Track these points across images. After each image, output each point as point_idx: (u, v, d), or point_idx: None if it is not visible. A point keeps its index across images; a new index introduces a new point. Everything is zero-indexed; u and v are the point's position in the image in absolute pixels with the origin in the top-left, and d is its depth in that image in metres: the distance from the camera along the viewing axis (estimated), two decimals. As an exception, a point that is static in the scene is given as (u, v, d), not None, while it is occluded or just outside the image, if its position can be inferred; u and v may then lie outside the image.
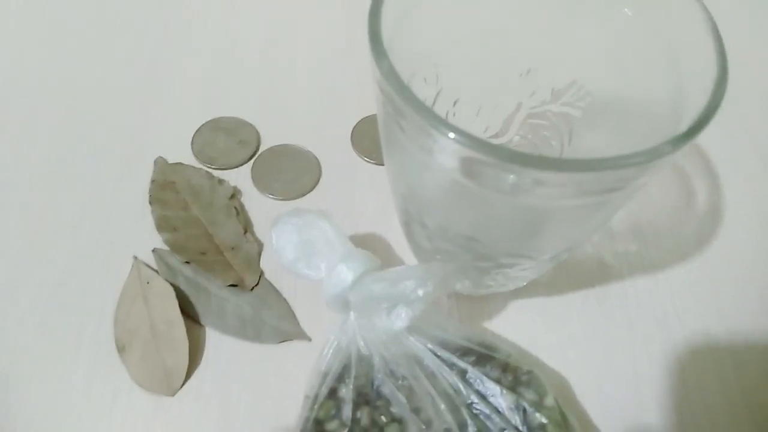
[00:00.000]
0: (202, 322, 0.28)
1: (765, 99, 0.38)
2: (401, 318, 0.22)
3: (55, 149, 0.34)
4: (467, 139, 0.16)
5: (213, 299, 0.29)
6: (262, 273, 0.30)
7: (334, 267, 0.24)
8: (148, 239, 0.30)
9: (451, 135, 0.17)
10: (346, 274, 0.23)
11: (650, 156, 0.16)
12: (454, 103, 0.28)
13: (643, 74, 0.23)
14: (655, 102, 0.22)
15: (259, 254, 0.31)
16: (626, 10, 0.22)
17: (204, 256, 0.30)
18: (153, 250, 0.30)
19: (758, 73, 0.39)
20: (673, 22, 0.21)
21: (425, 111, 0.17)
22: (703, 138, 0.36)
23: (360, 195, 0.33)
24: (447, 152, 0.18)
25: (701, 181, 0.34)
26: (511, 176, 0.17)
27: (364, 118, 0.35)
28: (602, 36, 0.24)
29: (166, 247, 0.30)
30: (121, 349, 0.27)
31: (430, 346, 0.24)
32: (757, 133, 0.36)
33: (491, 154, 0.16)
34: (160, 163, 0.33)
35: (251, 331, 0.28)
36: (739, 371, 0.28)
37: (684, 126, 0.18)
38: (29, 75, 0.37)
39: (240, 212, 0.32)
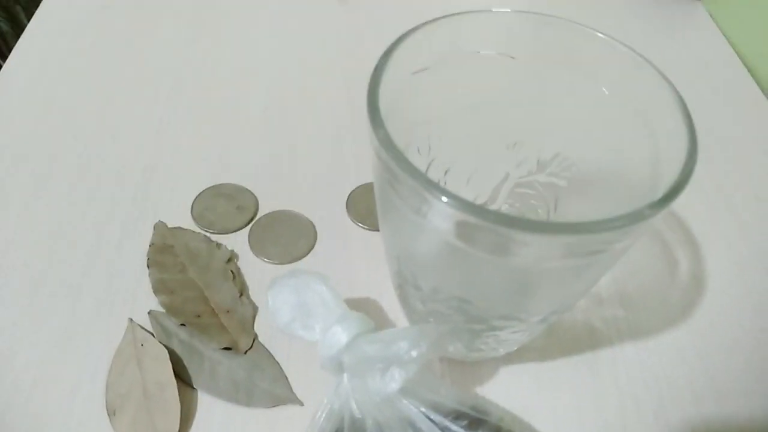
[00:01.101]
0: (195, 386, 0.28)
1: (737, 166, 0.40)
2: (395, 379, 0.23)
3: (57, 211, 0.35)
4: (460, 203, 0.18)
5: (206, 362, 0.29)
6: (255, 336, 0.30)
7: (329, 328, 0.24)
8: (144, 302, 0.31)
9: (444, 199, 0.18)
10: (340, 335, 0.24)
11: (630, 220, 0.17)
12: (446, 173, 0.29)
13: (622, 145, 0.24)
14: (634, 170, 0.23)
15: (254, 317, 0.31)
16: (603, 89, 0.24)
17: (199, 319, 0.30)
18: (149, 312, 0.30)
19: (728, 141, 0.41)
20: (646, 98, 0.23)
21: (420, 176, 0.18)
22: (682, 208, 0.37)
23: (354, 260, 0.33)
24: (440, 215, 0.19)
25: (683, 249, 0.35)
26: (501, 238, 0.18)
27: (359, 186, 0.37)
28: (583, 111, 0.26)
29: (162, 310, 0.30)
30: (111, 414, 0.27)
31: (423, 409, 0.24)
32: (731, 198, 0.38)
33: (482, 218, 0.17)
34: (160, 227, 0.34)
35: (243, 394, 0.28)
36: (730, 438, 0.28)
37: (661, 192, 0.19)
38: (33, 138, 0.38)
39: (236, 275, 0.32)
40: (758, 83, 0.46)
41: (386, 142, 0.19)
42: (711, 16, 0.52)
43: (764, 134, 0.42)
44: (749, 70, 0.47)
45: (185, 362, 0.29)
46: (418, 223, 0.20)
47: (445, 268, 0.22)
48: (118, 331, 0.30)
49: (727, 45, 0.49)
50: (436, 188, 0.18)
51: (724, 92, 0.45)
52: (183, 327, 0.30)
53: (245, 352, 0.30)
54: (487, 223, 0.17)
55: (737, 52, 0.48)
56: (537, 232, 0.17)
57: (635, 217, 0.17)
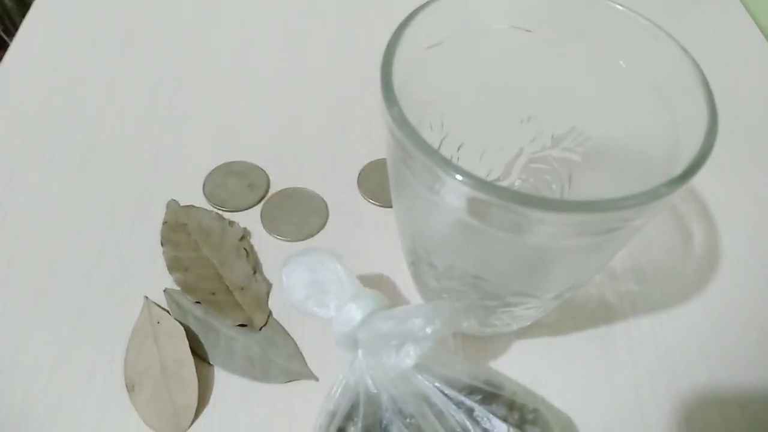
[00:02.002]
0: (211, 362, 0.29)
1: (754, 143, 0.39)
2: (410, 355, 0.23)
3: (68, 192, 0.35)
4: (473, 180, 0.17)
5: (222, 339, 0.29)
6: (270, 313, 0.31)
7: (343, 306, 0.24)
8: (159, 280, 0.31)
9: (458, 177, 0.18)
10: (355, 312, 0.24)
11: (647, 198, 0.17)
12: (458, 148, 0.29)
13: (639, 121, 0.24)
14: (651, 146, 0.23)
15: (268, 294, 0.31)
16: (621, 62, 0.24)
17: (214, 296, 0.31)
18: (164, 290, 0.31)
19: (747, 118, 0.40)
20: (665, 73, 0.22)
21: (434, 154, 0.18)
22: (699, 182, 0.37)
23: (366, 237, 0.33)
24: (454, 193, 0.19)
25: (698, 223, 0.35)
26: (516, 216, 0.18)
27: (370, 162, 0.36)
28: (599, 85, 0.25)
29: (177, 287, 0.31)
30: (130, 389, 0.28)
31: (437, 384, 0.24)
32: (749, 176, 0.37)
33: (496, 195, 0.17)
34: (172, 206, 0.34)
35: (259, 370, 0.29)
36: (743, 410, 0.28)
37: (679, 169, 0.19)
38: (41, 120, 0.38)
39: (250, 253, 0.33)
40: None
41: (400, 119, 0.19)
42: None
43: (783, 105, 0.42)
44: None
45: (201, 339, 0.29)
46: (432, 200, 0.20)
47: (459, 245, 0.22)
48: (135, 310, 0.30)
49: (751, 21, 0.48)
50: (450, 165, 0.18)
51: (745, 69, 0.44)
52: (198, 305, 0.30)
53: (260, 329, 0.30)
54: (502, 201, 0.17)
55: (761, 29, 0.47)
56: (551, 210, 0.17)
57: (652, 195, 0.17)
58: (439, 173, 0.18)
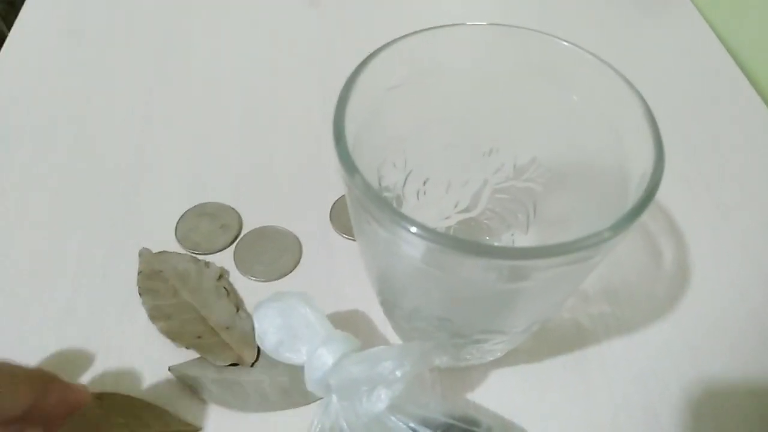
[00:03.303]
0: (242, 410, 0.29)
1: (719, 154, 0.40)
2: (381, 399, 0.23)
3: (35, 243, 0.35)
4: (428, 233, 0.18)
5: (249, 386, 0.29)
6: (259, 348, 0.30)
7: (314, 351, 0.24)
8: (142, 331, 0.31)
9: (413, 229, 0.18)
10: (326, 357, 0.24)
11: (591, 242, 0.17)
12: (424, 182, 0.30)
13: (593, 151, 0.25)
14: (607, 174, 0.24)
15: (254, 330, 0.31)
16: (574, 96, 0.24)
17: (200, 340, 0.30)
18: (169, 369, 0.29)
19: (712, 130, 0.41)
20: (614, 108, 0.23)
21: (388, 210, 0.18)
22: (666, 196, 0.37)
23: (341, 272, 0.34)
24: (412, 244, 0.19)
25: (667, 239, 0.35)
26: (470, 265, 0.18)
27: (341, 196, 0.37)
28: (555, 118, 0.26)
29: (164, 337, 0.30)
30: None
31: (412, 425, 0.24)
32: (714, 187, 0.38)
33: (446, 245, 0.17)
34: (145, 254, 0.34)
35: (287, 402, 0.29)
36: (720, 428, 0.28)
37: (630, 196, 0.19)
38: (14, 168, 0.38)
39: (230, 292, 0.32)
40: (742, 69, 0.46)
41: (348, 164, 0.19)
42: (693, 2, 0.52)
43: (746, 121, 0.42)
44: (733, 57, 0.47)
45: (229, 397, 0.29)
46: (393, 248, 0.20)
47: (422, 289, 0.22)
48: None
49: (710, 32, 0.49)
50: (405, 219, 0.18)
51: (706, 79, 0.45)
52: (212, 368, 0.30)
53: (252, 365, 0.30)
54: (451, 250, 0.18)
55: (720, 39, 0.48)
56: (507, 258, 0.17)
57: (595, 240, 0.17)
58: (395, 228, 0.18)
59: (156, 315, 0.31)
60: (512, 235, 0.30)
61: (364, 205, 0.19)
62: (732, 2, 0.49)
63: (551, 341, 0.31)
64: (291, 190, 0.38)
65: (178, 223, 0.35)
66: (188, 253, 0.34)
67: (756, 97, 0.43)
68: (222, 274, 0.33)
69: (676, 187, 0.38)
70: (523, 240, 0.30)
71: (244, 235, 0.35)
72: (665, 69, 0.46)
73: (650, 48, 0.47)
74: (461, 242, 0.17)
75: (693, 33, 0.49)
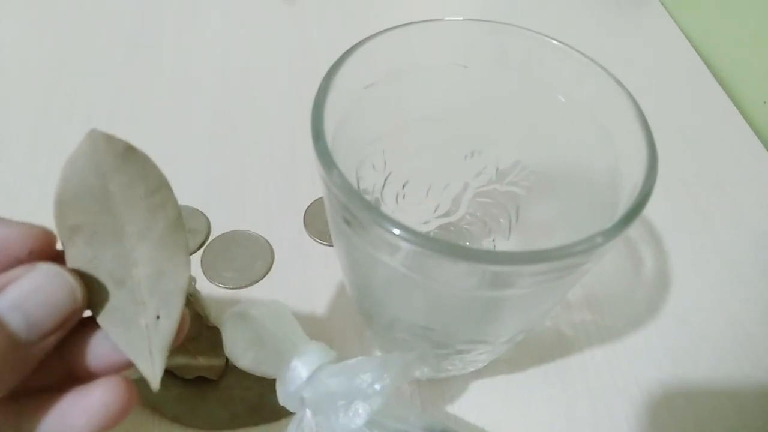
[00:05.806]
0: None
1: (697, 160, 0.40)
2: (359, 414, 0.21)
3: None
4: (408, 233, 0.16)
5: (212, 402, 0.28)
6: (227, 359, 0.29)
7: (288, 363, 0.23)
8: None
9: (396, 231, 0.17)
10: (300, 369, 0.23)
11: (585, 247, 0.16)
12: (404, 185, 0.28)
13: (581, 153, 0.24)
14: (595, 177, 0.23)
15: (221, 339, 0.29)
16: (560, 96, 0.23)
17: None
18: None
19: (690, 134, 0.41)
20: (603, 109, 0.22)
21: (367, 208, 0.17)
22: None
23: (315, 279, 0.32)
24: (392, 246, 0.18)
25: (648, 247, 0.35)
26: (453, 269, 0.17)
27: (316, 200, 0.35)
28: (540, 119, 0.25)
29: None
30: None
31: (391, 440, 0.23)
32: (693, 192, 0.38)
33: (430, 249, 0.16)
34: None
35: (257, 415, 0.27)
36: (703, 438, 0.28)
37: (621, 200, 0.18)
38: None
39: (196, 299, 0.31)
40: (713, 74, 0.46)
41: (326, 160, 0.18)
42: (663, 5, 0.52)
43: (724, 126, 0.42)
44: (705, 62, 0.47)
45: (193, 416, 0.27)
46: (372, 254, 0.19)
47: (403, 297, 0.21)
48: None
49: (682, 36, 0.49)
50: (388, 220, 0.17)
51: (681, 84, 0.45)
52: (176, 383, 0.28)
53: (219, 379, 0.28)
54: (435, 253, 0.16)
55: (691, 43, 0.48)
56: (492, 263, 0.16)
57: (589, 245, 0.17)
58: (377, 229, 0.17)
59: None
60: (493, 240, 0.30)
61: (342, 203, 0.18)
62: (700, 3, 0.49)
63: (532, 350, 0.30)
64: (263, 193, 0.36)
65: (141, 226, 0.33)
66: (152, 259, 0.32)
67: (731, 107, 0.44)
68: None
69: (655, 194, 0.37)
70: (504, 245, 0.29)
71: (212, 240, 0.33)
72: (642, 74, 0.45)
73: (626, 52, 0.47)
74: (446, 245, 0.16)
75: (664, 35, 0.49)
